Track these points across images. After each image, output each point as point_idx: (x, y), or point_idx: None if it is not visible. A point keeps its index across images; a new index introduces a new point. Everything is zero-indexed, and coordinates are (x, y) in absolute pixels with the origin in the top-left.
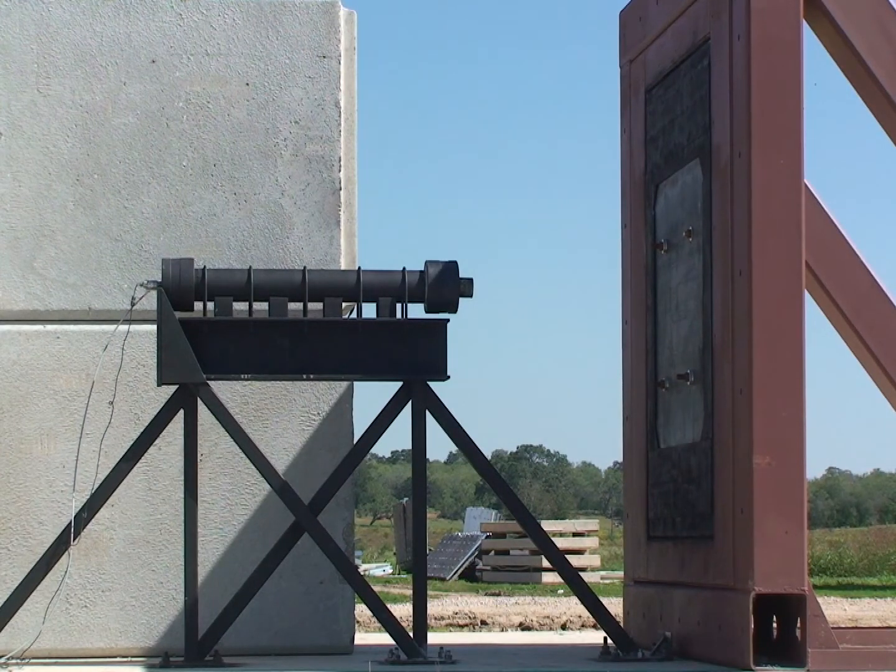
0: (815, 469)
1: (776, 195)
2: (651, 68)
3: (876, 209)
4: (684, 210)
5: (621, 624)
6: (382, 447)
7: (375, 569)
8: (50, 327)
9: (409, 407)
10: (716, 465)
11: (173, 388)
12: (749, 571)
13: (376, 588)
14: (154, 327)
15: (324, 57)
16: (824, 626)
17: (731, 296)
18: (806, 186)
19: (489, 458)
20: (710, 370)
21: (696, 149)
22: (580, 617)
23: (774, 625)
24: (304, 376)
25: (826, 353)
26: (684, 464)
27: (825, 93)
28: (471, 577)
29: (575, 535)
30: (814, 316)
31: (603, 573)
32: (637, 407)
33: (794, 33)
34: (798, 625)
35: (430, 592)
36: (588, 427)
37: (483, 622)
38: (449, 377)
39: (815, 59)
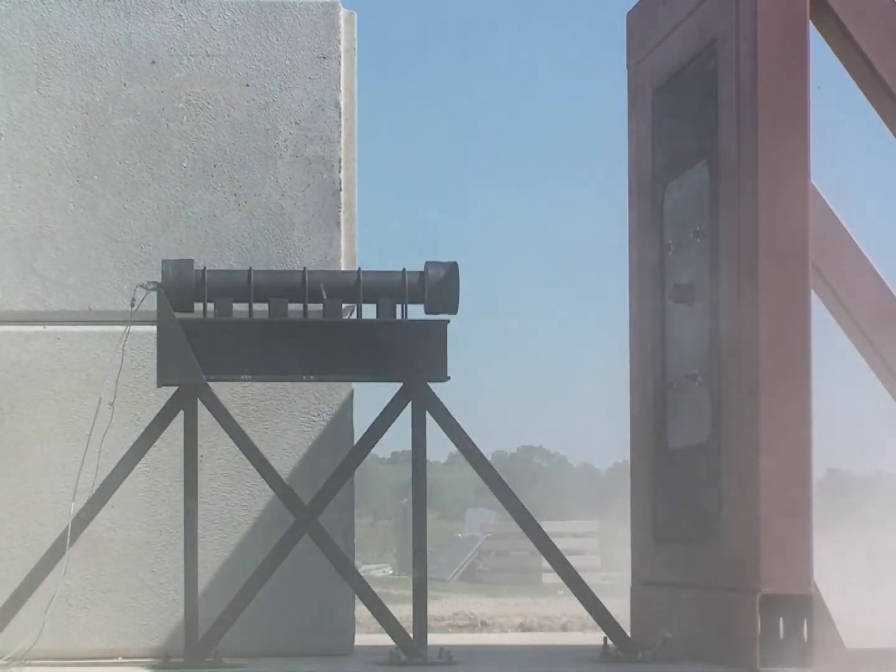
0: (818, 470)
1: (783, 196)
2: (658, 69)
3: (882, 210)
4: (692, 211)
5: (627, 625)
6: (382, 448)
7: (375, 570)
8: (50, 328)
9: (409, 408)
10: (722, 467)
11: (173, 389)
12: (756, 572)
13: (376, 589)
14: (154, 328)
15: (324, 58)
16: (831, 627)
17: (738, 297)
18: (812, 187)
19: (490, 459)
20: (718, 371)
21: (702, 150)
22: (580, 618)
23: (781, 625)
24: (305, 377)
25: (832, 354)
26: (691, 465)
27: (831, 94)
28: (471, 577)
29: (575, 536)
30: (820, 317)
31: (603, 574)
32: (644, 407)
33: (801, 34)
34: (804, 626)
35: (429, 593)
36: (588, 428)
37: (483, 623)
38: (449, 378)
39: (822, 59)
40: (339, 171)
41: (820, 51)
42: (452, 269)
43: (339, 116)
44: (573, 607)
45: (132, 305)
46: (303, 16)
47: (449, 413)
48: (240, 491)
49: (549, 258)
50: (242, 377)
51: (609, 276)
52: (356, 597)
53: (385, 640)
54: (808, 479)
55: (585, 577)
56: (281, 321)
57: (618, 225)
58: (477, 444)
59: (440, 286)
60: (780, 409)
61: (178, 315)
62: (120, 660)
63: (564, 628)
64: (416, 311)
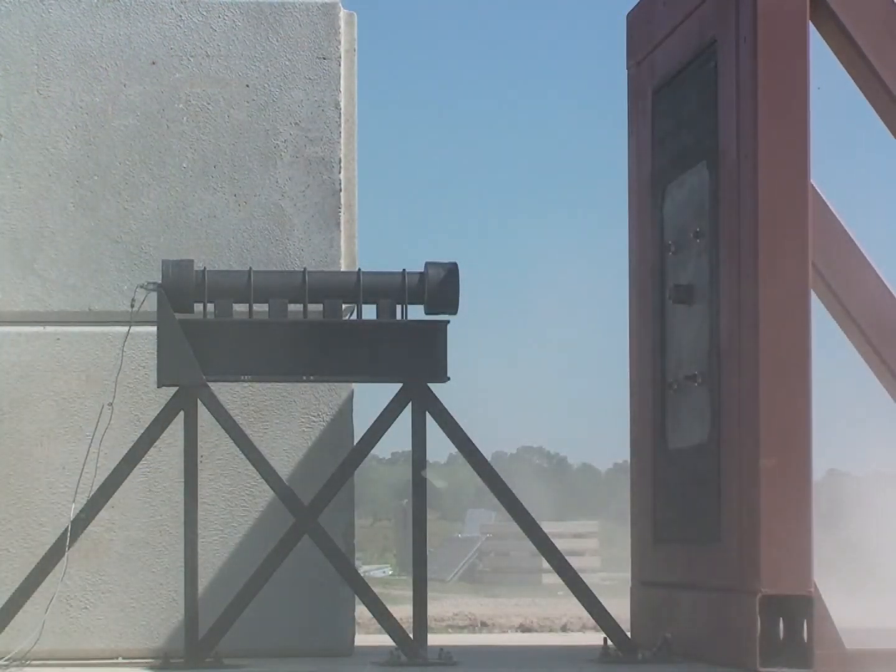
0: (818, 470)
1: (783, 197)
2: (658, 70)
3: (882, 210)
4: (691, 211)
5: (628, 626)
6: (382, 449)
7: (375, 570)
8: (50, 329)
9: (409, 408)
10: (722, 467)
11: (173, 389)
12: (755, 573)
13: (376, 589)
14: (154, 329)
15: (324, 58)
16: (831, 627)
17: (737, 297)
18: (812, 187)
19: (489, 459)
20: (718, 372)
21: (702, 151)
22: (580, 618)
23: (781, 626)
24: (304, 378)
25: (832, 354)
26: (691, 465)
27: (831, 94)
28: (471, 578)
29: (575, 536)
30: (820, 317)
31: (603, 574)
32: (644, 408)
33: (801, 35)
34: (804, 626)
35: (429, 593)
36: (588, 429)
37: (483, 623)
38: (449, 378)
39: (822, 60)
40: (339, 172)
41: (820, 51)
42: (452, 270)
43: (339, 117)
44: (573, 608)
45: (132, 306)
46: (303, 16)
47: (449, 413)
48: (240, 492)
49: (550, 258)
50: (242, 377)
51: (609, 276)
52: (356, 597)
53: (385, 640)
54: (808, 479)
55: (585, 577)
56: (281, 321)
57: (618, 225)
58: (477, 445)
59: (440, 287)
60: (780, 409)
61: (178, 315)
62: (120, 660)
63: (564, 629)
64: (416, 312)
